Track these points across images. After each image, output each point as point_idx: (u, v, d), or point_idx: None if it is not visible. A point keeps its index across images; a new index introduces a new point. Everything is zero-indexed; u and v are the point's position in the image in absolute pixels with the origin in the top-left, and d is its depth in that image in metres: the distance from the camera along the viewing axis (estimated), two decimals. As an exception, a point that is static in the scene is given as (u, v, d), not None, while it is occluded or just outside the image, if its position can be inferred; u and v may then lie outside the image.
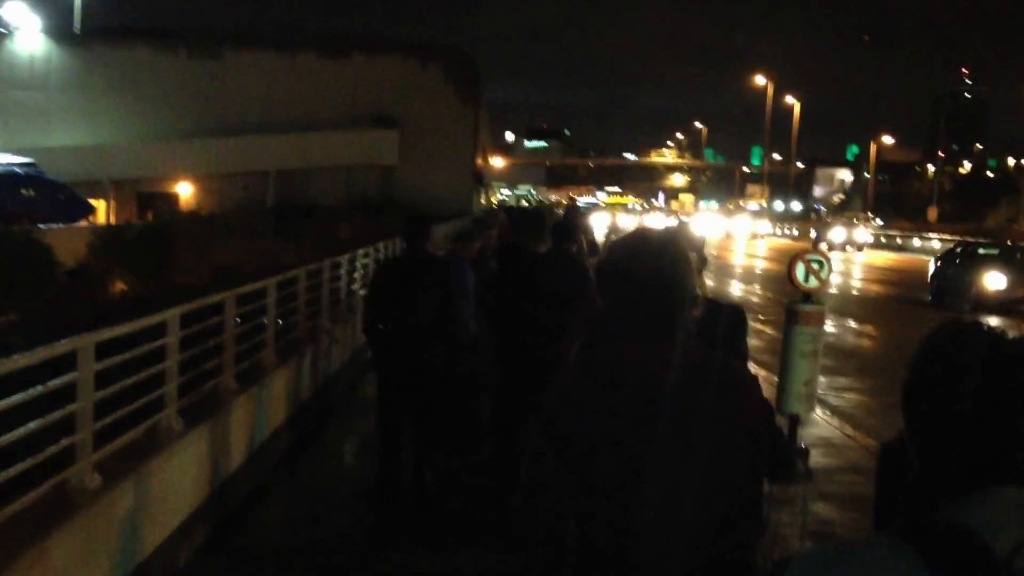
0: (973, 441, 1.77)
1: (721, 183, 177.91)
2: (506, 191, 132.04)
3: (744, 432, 2.83)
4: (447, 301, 8.71)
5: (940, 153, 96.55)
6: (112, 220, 54.43)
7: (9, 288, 18.12)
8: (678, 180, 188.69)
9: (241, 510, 8.66)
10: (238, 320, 9.49)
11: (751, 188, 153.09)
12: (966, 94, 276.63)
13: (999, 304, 27.60)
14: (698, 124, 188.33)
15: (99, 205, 57.21)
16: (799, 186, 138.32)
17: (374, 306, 8.93)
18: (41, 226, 28.60)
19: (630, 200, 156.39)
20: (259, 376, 9.85)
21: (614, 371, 2.84)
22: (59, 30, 67.55)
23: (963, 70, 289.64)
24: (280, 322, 11.38)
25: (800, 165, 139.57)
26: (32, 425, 5.03)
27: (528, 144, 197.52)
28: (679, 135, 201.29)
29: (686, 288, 2.92)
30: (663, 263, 2.93)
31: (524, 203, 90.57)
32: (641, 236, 3.13)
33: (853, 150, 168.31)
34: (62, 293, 20.68)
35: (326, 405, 12.79)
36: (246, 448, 9.19)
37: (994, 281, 28.11)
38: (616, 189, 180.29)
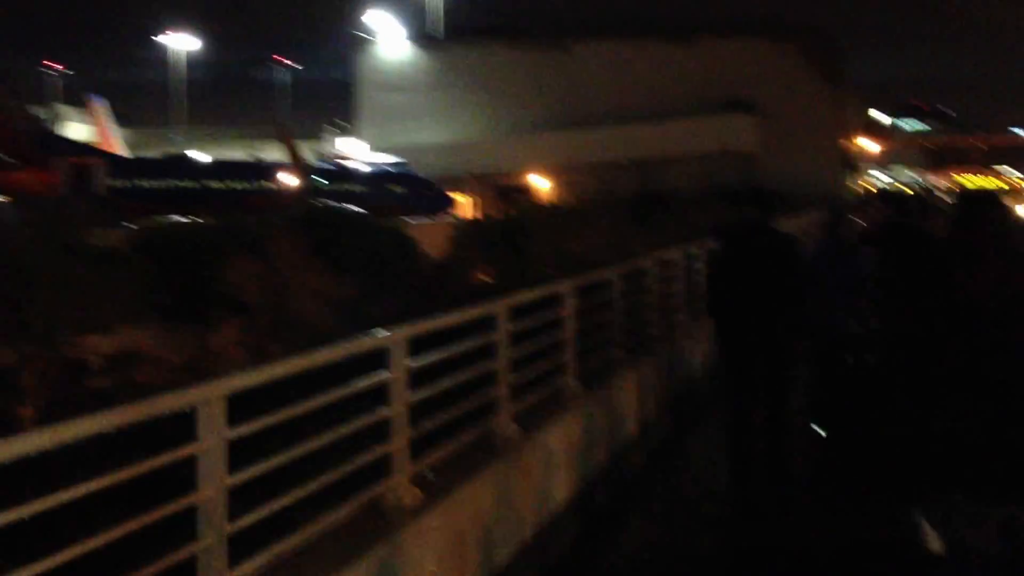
0: None
1: None
2: (880, 174, 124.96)
3: None
4: (790, 277, 8.23)
5: None
6: (474, 213, 56.43)
7: (381, 279, 18.75)
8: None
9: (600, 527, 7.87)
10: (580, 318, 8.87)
11: None
12: None
13: None
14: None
15: (462, 198, 59.58)
16: None
17: (715, 280, 8.75)
18: (409, 220, 29.77)
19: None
20: (604, 378, 9.11)
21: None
22: (421, 34, 71.32)
23: None
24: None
25: None
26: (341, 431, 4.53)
27: (901, 123, 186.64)
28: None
29: None
30: None
31: (906, 189, 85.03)
32: None
33: None
34: (429, 284, 21.28)
35: (685, 411, 11.84)
36: (604, 450, 8.51)
37: None
38: (1014, 172, 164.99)
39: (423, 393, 5.38)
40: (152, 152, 63.50)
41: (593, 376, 8.90)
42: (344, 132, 72.27)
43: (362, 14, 71.82)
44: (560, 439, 7.58)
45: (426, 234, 24.45)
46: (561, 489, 7.60)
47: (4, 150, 43.19)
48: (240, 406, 3.95)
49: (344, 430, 4.60)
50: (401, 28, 71.62)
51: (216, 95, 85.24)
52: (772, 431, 8.46)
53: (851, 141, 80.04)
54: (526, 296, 7.55)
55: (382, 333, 5.06)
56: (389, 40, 70.71)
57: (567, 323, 8.29)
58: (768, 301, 8.13)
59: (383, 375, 4.96)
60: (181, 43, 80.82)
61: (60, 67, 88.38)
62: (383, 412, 4.94)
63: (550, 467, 7.33)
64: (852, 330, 9.04)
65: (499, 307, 6.71)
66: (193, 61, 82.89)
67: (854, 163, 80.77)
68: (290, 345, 11.30)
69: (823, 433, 9.47)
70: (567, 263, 23.83)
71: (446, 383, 5.74)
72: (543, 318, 7.95)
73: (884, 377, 9.09)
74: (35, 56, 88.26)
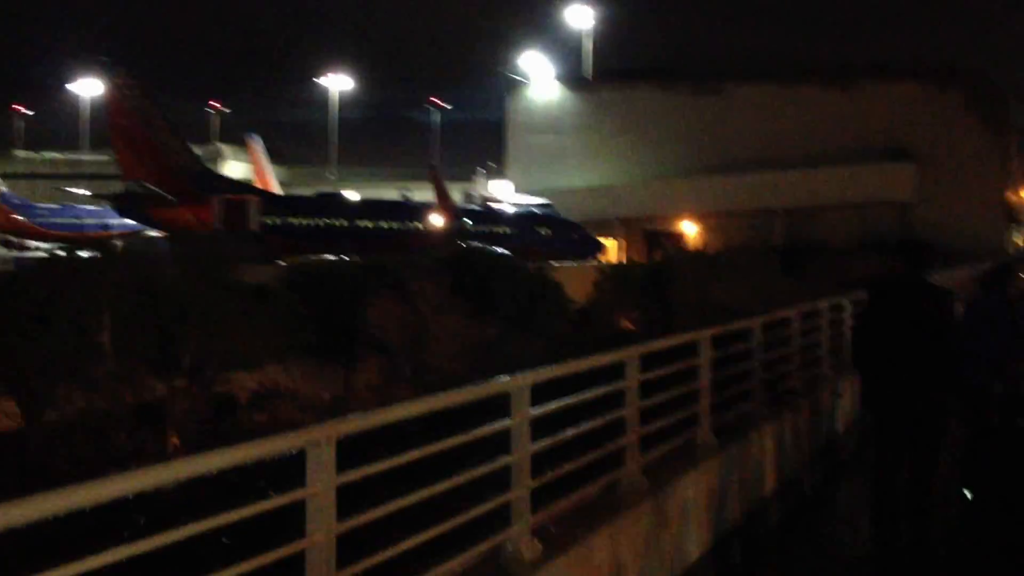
0: None
1: None
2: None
3: None
4: (944, 334, 7.84)
5: None
6: (621, 258, 56.33)
7: (524, 322, 18.85)
8: None
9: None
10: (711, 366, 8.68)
11: None
12: None
13: None
14: None
15: (609, 243, 59.53)
16: None
17: (864, 334, 8.28)
18: (555, 263, 29.86)
19: None
20: (741, 431, 8.87)
21: None
22: (571, 76, 71.63)
23: None
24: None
25: None
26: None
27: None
28: None
29: None
30: None
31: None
32: None
33: None
34: (572, 329, 21.28)
35: (827, 467, 11.45)
36: (739, 506, 8.30)
37: None
38: None
39: (546, 442, 5.31)
40: (306, 190, 65.36)
41: (729, 429, 8.70)
42: (494, 174, 73.08)
43: (517, 56, 72.64)
44: (692, 493, 7.41)
45: (571, 277, 24.54)
46: (694, 544, 7.43)
47: (164, 187, 45.04)
48: (357, 448, 3.95)
49: (461, 478, 4.57)
50: (552, 69, 72.20)
51: (370, 134, 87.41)
52: (918, 491, 8.13)
53: (1016, 193, 77.16)
54: (658, 344, 7.41)
55: (504, 379, 5.04)
56: (540, 82, 71.27)
57: (702, 373, 8.11)
58: (919, 358, 7.84)
59: (505, 422, 4.93)
60: (338, 83, 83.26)
61: (220, 107, 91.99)
62: (504, 459, 4.90)
63: (682, 521, 7.17)
64: (1004, 391, 8.69)
65: (629, 355, 6.60)
66: (349, 101, 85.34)
67: (1019, 216, 77.79)
68: (426, 387, 11.41)
69: (969, 496, 9.08)
70: (712, 311, 23.60)
71: (572, 431, 5.67)
72: (678, 367, 7.81)
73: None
74: (200, 96, 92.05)
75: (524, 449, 4.99)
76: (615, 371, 6.48)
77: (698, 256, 30.26)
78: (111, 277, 10.43)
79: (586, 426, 5.87)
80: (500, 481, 4.92)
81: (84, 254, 11.99)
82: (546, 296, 21.06)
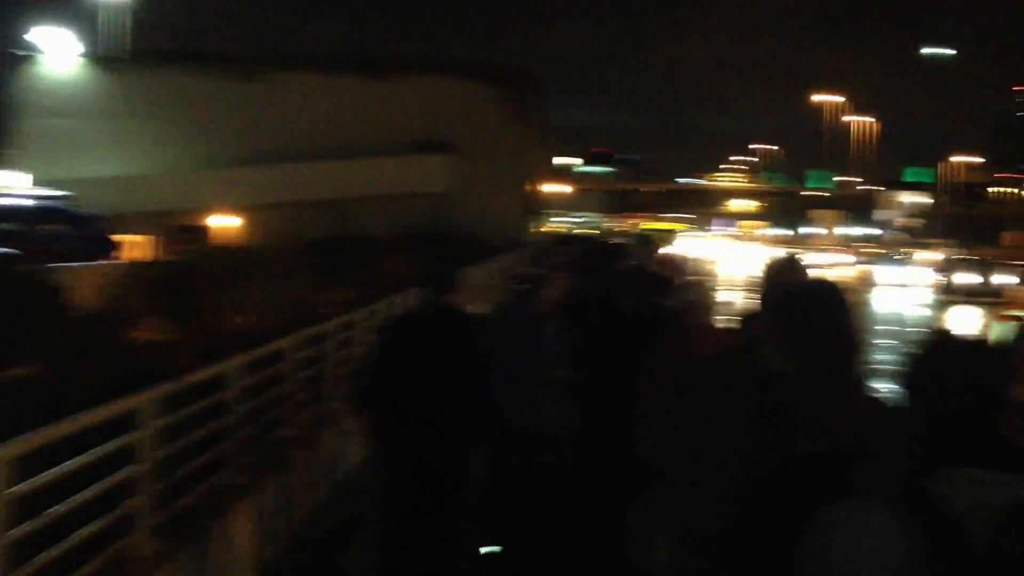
0: (954, 425, 2.64)
1: (789, 208, 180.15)
2: (562, 219, 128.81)
3: None
4: (478, 378, 6.35)
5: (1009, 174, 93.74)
6: (144, 256, 52.42)
7: (15, 336, 15.90)
8: (737, 205, 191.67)
9: None
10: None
11: (814, 213, 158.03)
12: (1019, 113, 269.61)
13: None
14: (757, 147, 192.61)
15: (131, 240, 55.30)
16: (863, 211, 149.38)
17: (371, 380, 6.45)
18: (64, 264, 26.26)
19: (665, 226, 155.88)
20: (205, 519, 6.57)
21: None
22: (97, 54, 66.53)
23: (1014, 88, 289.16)
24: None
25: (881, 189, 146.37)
26: None
27: (587, 169, 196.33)
28: (746, 158, 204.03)
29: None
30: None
31: (584, 233, 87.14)
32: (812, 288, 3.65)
33: (913, 174, 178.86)
34: (76, 340, 18.32)
35: (333, 538, 9.24)
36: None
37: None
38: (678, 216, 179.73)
39: None
40: None
41: (187, 519, 6.35)
42: (3, 162, 65.84)
43: (27, 30, 65.48)
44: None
45: (79, 280, 21.31)
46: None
47: None
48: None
49: None
50: (75, 46, 65.81)
51: None
52: (440, 555, 6.39)
53: (539, 185, 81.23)
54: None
55: None
56: (58, 59, 64.93)
57: (142, 453, 5.70)
58: (441, 396, 6.19)
59: None
60: None
61: None
62: None
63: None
64: (532, 426, 7.37)
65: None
66: None
67: (538, 207, 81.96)
68: None
69: (495, 549, 7.50)
70: (236, 320, 21.34)
71: None
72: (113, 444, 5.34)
73: (562, 479, 7.51)
74: None
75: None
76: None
77: (221, 254, 27.61)
78: None
79: None
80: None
81: None
82: (41, 302, 18.09)
